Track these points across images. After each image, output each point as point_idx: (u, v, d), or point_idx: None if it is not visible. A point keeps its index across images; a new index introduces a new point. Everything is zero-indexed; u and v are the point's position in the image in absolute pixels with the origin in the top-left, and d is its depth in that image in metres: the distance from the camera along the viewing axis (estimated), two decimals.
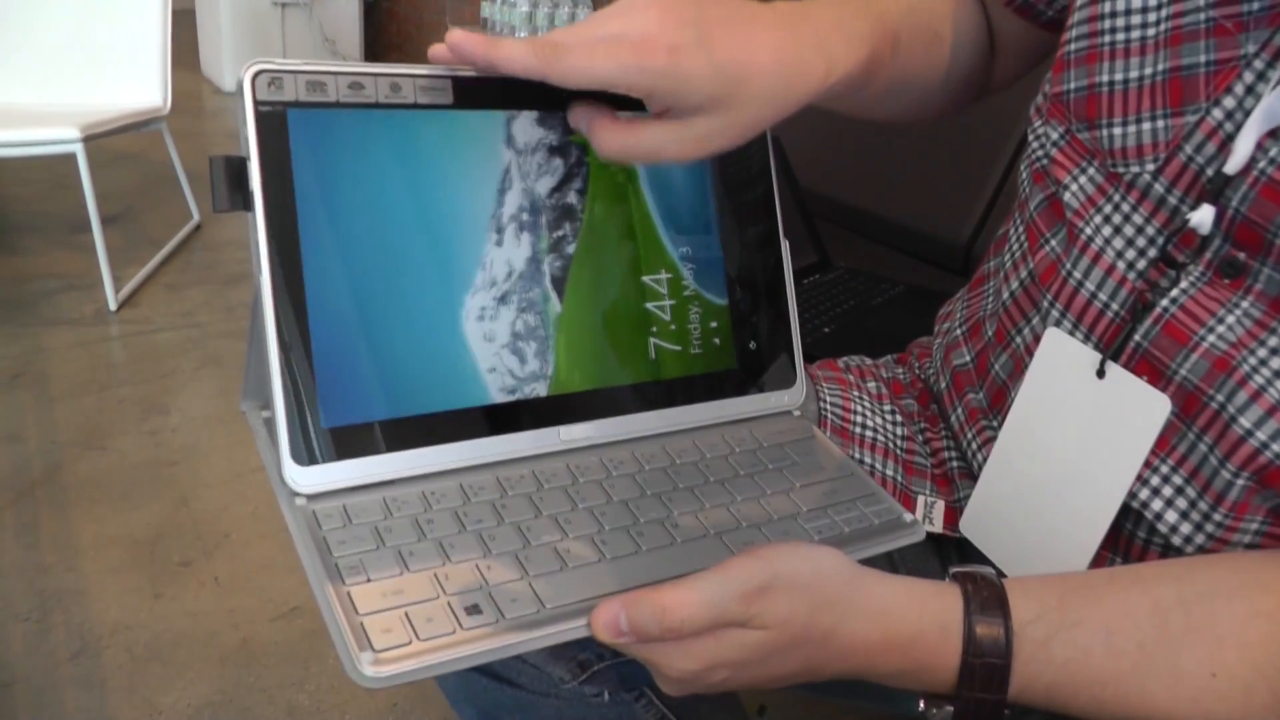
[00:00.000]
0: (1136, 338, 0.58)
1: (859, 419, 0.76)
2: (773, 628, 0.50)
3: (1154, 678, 0.50)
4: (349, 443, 0.53)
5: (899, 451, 0.76)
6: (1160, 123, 0.57)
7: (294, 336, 0.52)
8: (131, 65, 2.79)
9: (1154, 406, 0.57)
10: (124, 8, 2.82)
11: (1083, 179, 0.62)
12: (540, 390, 0.59)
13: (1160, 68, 0.57)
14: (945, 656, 0.52)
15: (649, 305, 0.63)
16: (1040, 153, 0.67)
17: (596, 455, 0.61)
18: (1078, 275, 0.62)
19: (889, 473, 0.74)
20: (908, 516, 0.63)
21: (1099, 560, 0.61)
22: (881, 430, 0.76)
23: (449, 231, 0.56)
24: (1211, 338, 0.55)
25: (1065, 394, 0.62)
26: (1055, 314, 0.63)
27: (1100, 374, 0.60)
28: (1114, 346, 0.59)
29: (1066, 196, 0.63)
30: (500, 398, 0.58)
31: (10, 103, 2.71)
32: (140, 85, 2.76)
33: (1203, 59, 0.55)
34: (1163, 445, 0.57)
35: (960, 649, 0.51)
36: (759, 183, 0.68)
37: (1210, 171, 0.55)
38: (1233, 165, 0.53)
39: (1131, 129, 0.58)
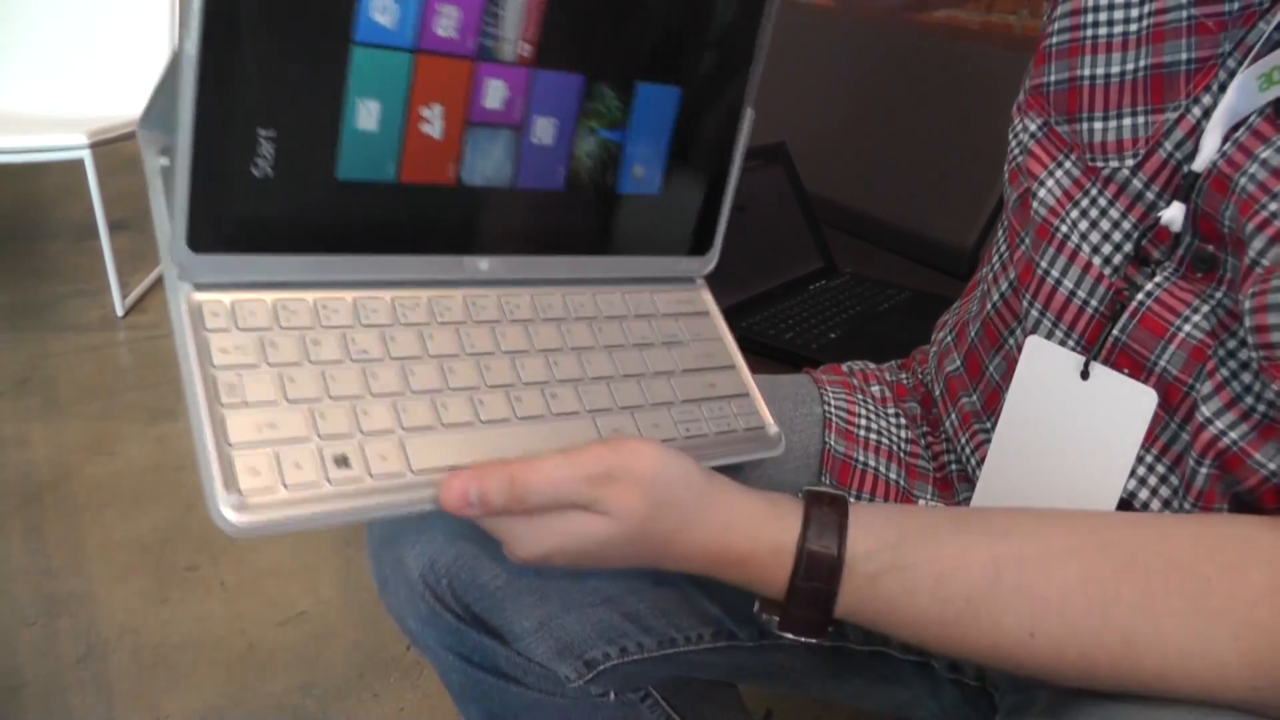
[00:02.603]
0: (1115, 332, 0.59)
1: (863, 422, 0.77)
2: (614, 517, 0.52)
3: (975, 629, 0.52)
4: (250, 235, 0.51)
5: (902, 455, 0.76)
6: (1141, 118, 0.58)
7: (226, 90, 0.48)
8: (140, 71, 2.80)
9: (1140, 401, 0.58)
10: (132, 14, 2.84)
11: (1059, 173, 0.63)
12: (462, 202, 0.57)
13: (1142, 64, 0.58)
14: (777, 575, 0.54)
15: (595, 127, 0.60)
16: (1017, 150, 0.67)
17: (495, 294, 0.60)
18: (1055, 274, 0.63)
19: (892, 476, 0.75)
20: (772, 430, 0.63)
21: None
22: (885, 433, 0.77)
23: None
24: (1187, 327, 0.56)
25: (1052, 399, 0.63)
26: (1035, 314, 0.64)
27: (1085, 375, 0.60)
28: (1095, 345, 0.60)
29: (1042, 193, 0.64)
30: (411, 213, 0.56)
31: (19, 109, 2.72)
32: (147, 92, 2.76)
33: (1184, 56, 0.56)
34: (1148, 437, 0.58)
35: (790, 571, 0.53)
36: (741, 38, 0.63)
37: (1187, 168, 0.56)
38: (1199, 163, 0.54)
39: (1112, 124, 0.59)
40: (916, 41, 1.77)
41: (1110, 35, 0.60)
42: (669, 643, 0.68)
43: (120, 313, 2.52)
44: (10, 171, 3.41)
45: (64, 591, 1.55)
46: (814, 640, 0.56)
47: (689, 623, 0.69)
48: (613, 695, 0.70)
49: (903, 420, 0.78)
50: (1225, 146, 0.53)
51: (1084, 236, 0.61)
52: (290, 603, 1.55)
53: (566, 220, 0.62)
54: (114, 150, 2.45)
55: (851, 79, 1.84)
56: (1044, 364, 0.63)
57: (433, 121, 0.55)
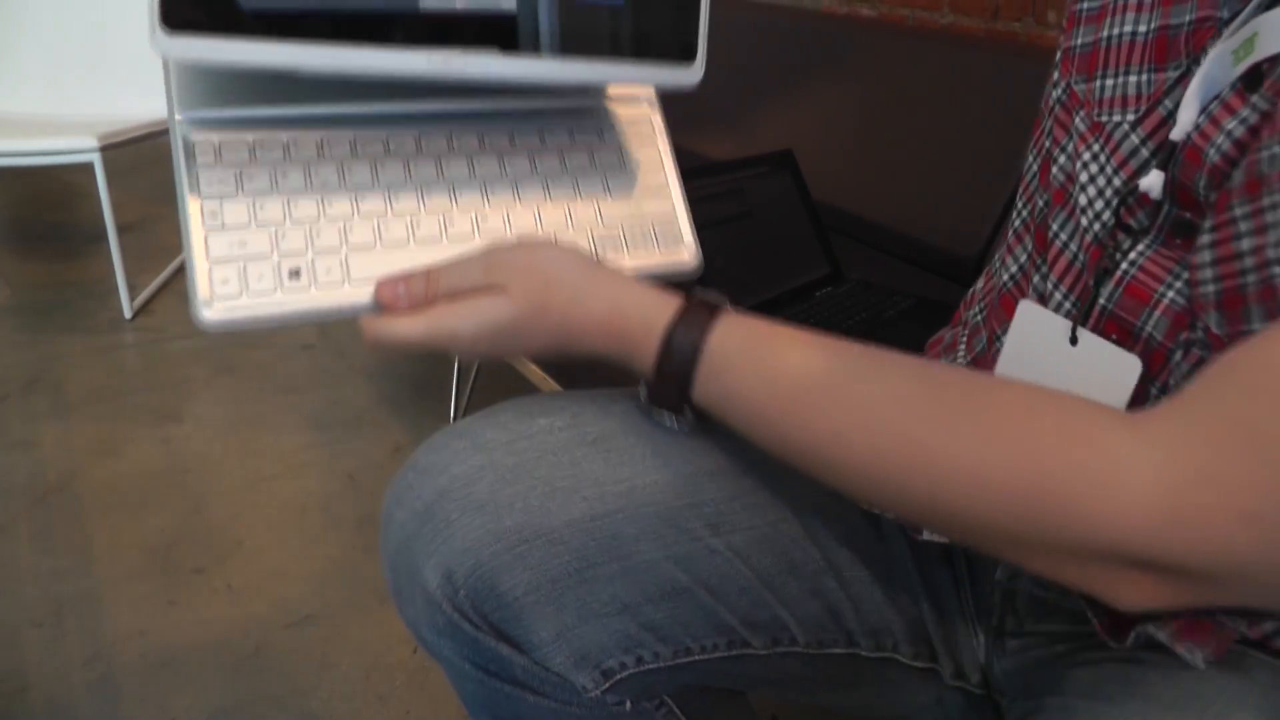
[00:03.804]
0: (1102, 301, 0.61)
1: None
2: (514, 293, 0.63)
3: (794, 425, 0.58)
4: (213, 18, 0.58)
5: None
6: (1145, 76, 0.60)
7: None
8: (149, 76, 2.81)
9: (1125, 368, 0.59)
10: (142, 18, 2.84)
11: (1075, 136, 0.65)
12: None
13: (1153, 25, 0.60)
14: (647, 352, 0.62)
15: None
16: (1047, 116, 0.69)
17: (446, 131, 0.69)
18: (1064, 237, 0.65)
19: None
20: (688, 257, 0.73)
21: None
22: None
23: None
24: (1171, 294, 0.57)
25: (1043, 363, 0.64)
26: (1038, 279, 0.66)
27: (1074, 341, 0.62)
28: (1083, 311, 0.62)
29: (1062, 159, 0.66)
30: (383, 3, 0.60)
31: (29, 112, 2.73)
32: (157, 96, 2.78)
33: (1187, 18, 0.58)
34: (1133, 403, 0.59)
35: (657, 352, 0.62)
36: None
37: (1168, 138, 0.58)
38: (1177, 133, 0.56)
39: (1120, 80, 0.61)
40: (923, 48, 1.77)
41: (1129, 1, 0.62)
42: (684, 651, 0.69)
43: (128, 315, 2.53)
44: (19, 173, 3.43)
45: (71, 593, 1.56)
46: (676, 421, 0.66)
47: (704, 631, 0.69)
48: (629, 704, 0.70)
49: None
50: (1200, 118, 0.55)
51: (1083, 189, 0.63)
52: (297, 606, 1.56)
53: (530, 20, 0.64)
54: (122, 153, 2.46)
55: (858, 86, 1.85)
56: (1035, 328, 0.65)
57: None
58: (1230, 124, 0.52)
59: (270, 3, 0.58)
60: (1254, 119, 0.51)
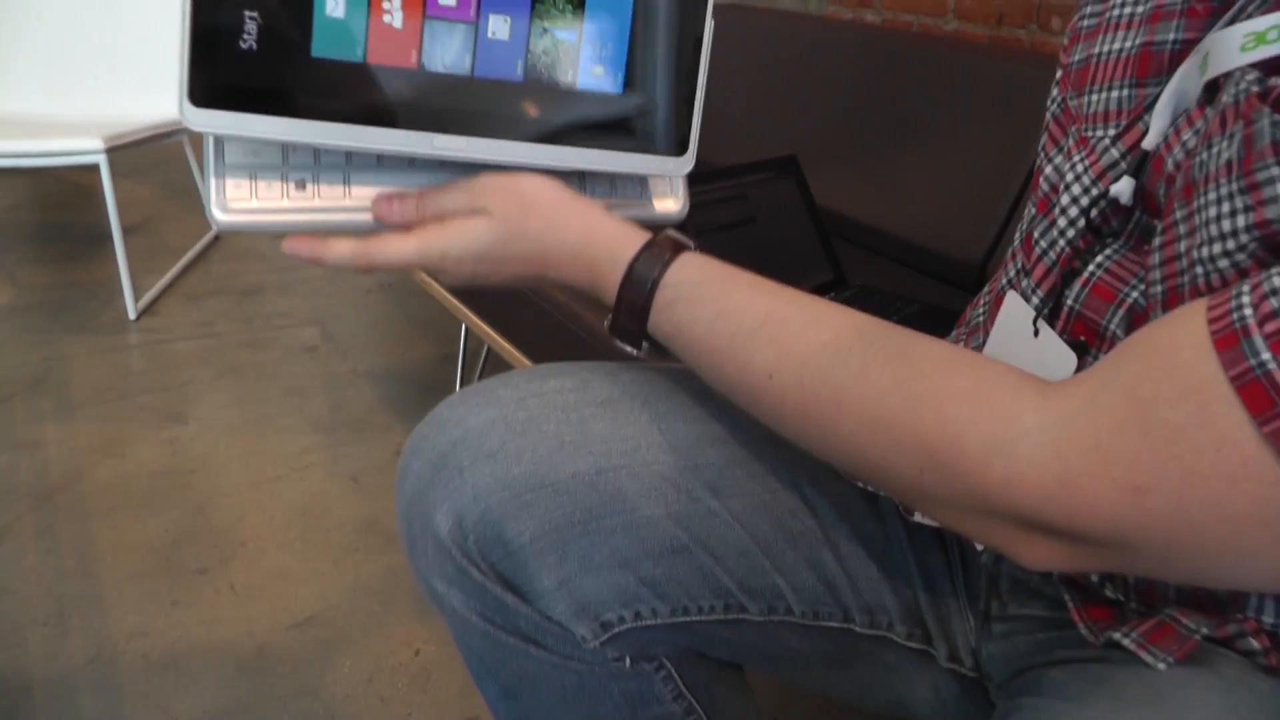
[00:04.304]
0: (1069, 301, 0.63)
1: None
2: (494, 216, 0.67)
3: (731, 361, 0.62)
4: (238, 96, 0.62)
5: None
6: (1126, 91, 0.62)
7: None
8: (154, 77, 2.82)
9: (1066, 363, 0.61)
10: (148, 20, 2.86)
11: (1063, 146, 0.67)
12: (425, 85, 0.66)
13: (1137, 41, 0.62)
14: (611, 282, 0.66)
15: (547, 27, 0.68)
16: (1043, 134, 0.71)
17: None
18: (1036, 235, 0.67)
19: None
20: (675, 207, 0.78)
21: None
22: None
23: None
24: (1134, 295, 0.59)
25: (1016, 353, 0.66)
26: (1025, 280, 0.68)
27: (1035, 333, 0.64)
28: (1047, 308, 0.64)
29: (1048, 169, 0.67)
30: (379, 89, 0.65)
31: (35, 113, 2.74)
32: (163, 97, 2.79)
33: (1171, 37, 0.60)
34: None
35: (620, 281, 0.65)
36: None
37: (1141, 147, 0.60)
38: (1148, 142, 0.58)
39: (1103, 95, 0.63)
40: (928, 55, 1.78)
41: (1121, 16, 0.64)
42: (681, 611, 0.70)
43: (133, 316, 2.53)
44: (26, 173, 3.44)
45: (74, 593, 1.56)
46: (633, 351, 0.68)
47: (701, 593, 0.70)
48: (628, 661, 0.72)
49: None
50: (1169, 129, 0.57)
51: (1061, 200, 0.65)
52: (299, 607, 1.56)
53: (528, 110, 0.69)
54: (128, 154, 2.47)
55: (863, 92, 1.85)
56: (1014, 318, 0.67)
57: (393, 13, 0.64)
58: (1186, 135, 0.54)
59: (286, 85, 0.63)
60: (1204, 131, 0.53)
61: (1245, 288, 0.45)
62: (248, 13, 0.61)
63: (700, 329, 0.63)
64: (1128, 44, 0.62)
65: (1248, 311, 0.44)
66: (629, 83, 0.70)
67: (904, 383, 0.54)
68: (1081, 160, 0.64)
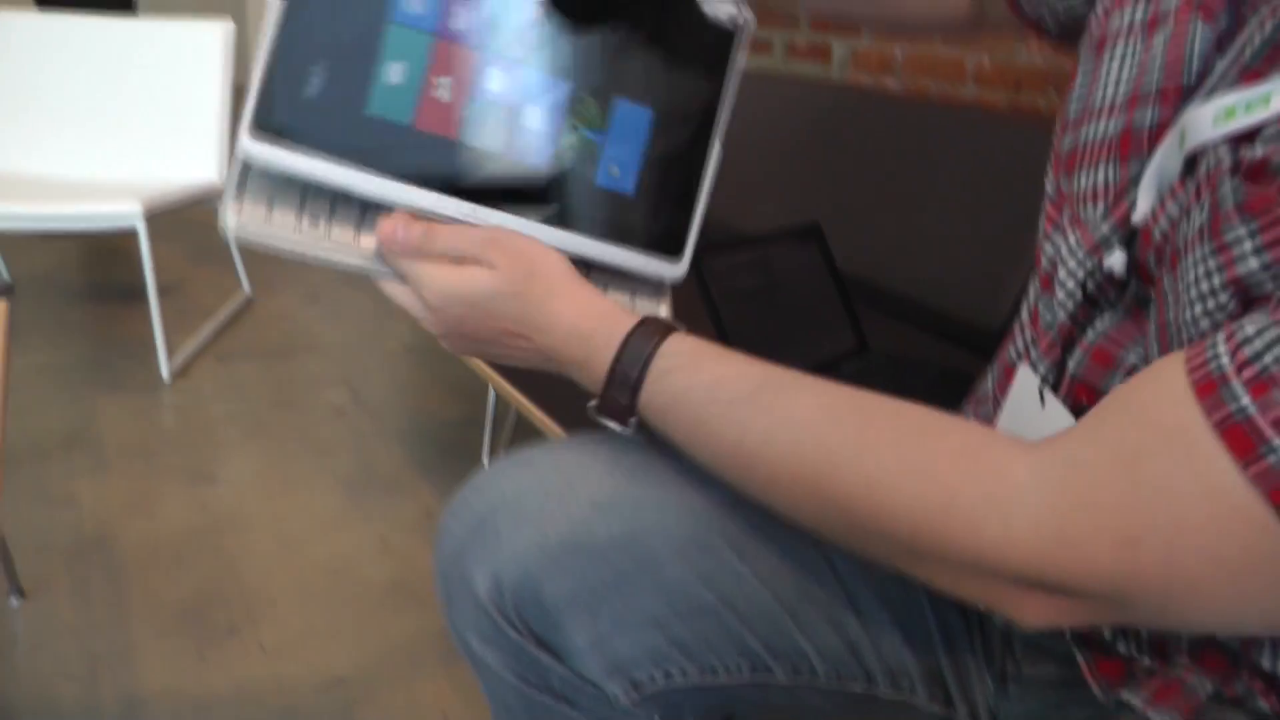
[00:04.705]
0: (1070, 368, 0.65)
1: None
2: (499, 271, 0.69)
3: (727, 428, 0.63)
4: (296, 135, 0.68)
5: None
6: (1111, 170, 0.64)
7: (294, 33, 0.68)
8: (192, 142, 2.89)
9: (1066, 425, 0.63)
10: (187, 86, 2.93)
11: (1058, 226, 0.69)
12: (461, 156, 0.72)
13: (1118, 125, 0.65)
14: (604, 357, 0.67)
15: (577, 126, 0.74)
16: (1042, 215, 0.73)
17: None
18: (1041, 308, 0.69)
19: None
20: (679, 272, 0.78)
21: None
22: None
23: None
24: (1132, 358, 0.61)
25: (1028, 424, 0.68)
26: (1032, 349, 0.70)
27: (1042, 403, 0.66)
28: (1053, 376, 0.66)
29: (1048, 247, 0.70)
30: (420, 151, 0.71)
31: (76, 177, 2.81)
32: (200, 161, 2.86)
33: (1148, 119, 0.62)
34: None
35: (614, 355, 0.67)
36: (708, 83, 0.77)
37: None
38: (1137, 216, 0.60)
39: (1091, 175, 0.66)
40: (947, 121, 1.81)
41: (1103, 105, 0.67)
42: (710, 671, 0.72)
43: (166, 376, 2.58)
44: (65, 235, 3.51)
45: (106, 649, 1.58)
46: (621, 427, 0.69)
47: (729, 654, 0.72)
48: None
49: None
50: (1154, 203, 0.59)
51: (1059, 274, 0.67)
52: (328, 666, 1.58)
53: (548, 194, 0.73)
54: (162, 216, 2.52)
55: (884, 158, 1.88)
56: (1025, 390, 0.69)
57: (443, 89, 0.70)
58: (1170, 207, 0.57)
59: (339, 134, 0.69)
60: (1185, 203, 0.55)
61: (1220, 337, 0.47)
62: (316, 64, 0.68)
63: (695, 395, 0.65)
64: (1109, 128, 0.65)
65: (1225, 360, 0.46)
66: (640, 187, 0.75)
67: (895, 446, 0.56)
68: (1076, 237, 0.66)
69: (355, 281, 3.39)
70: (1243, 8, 0.59)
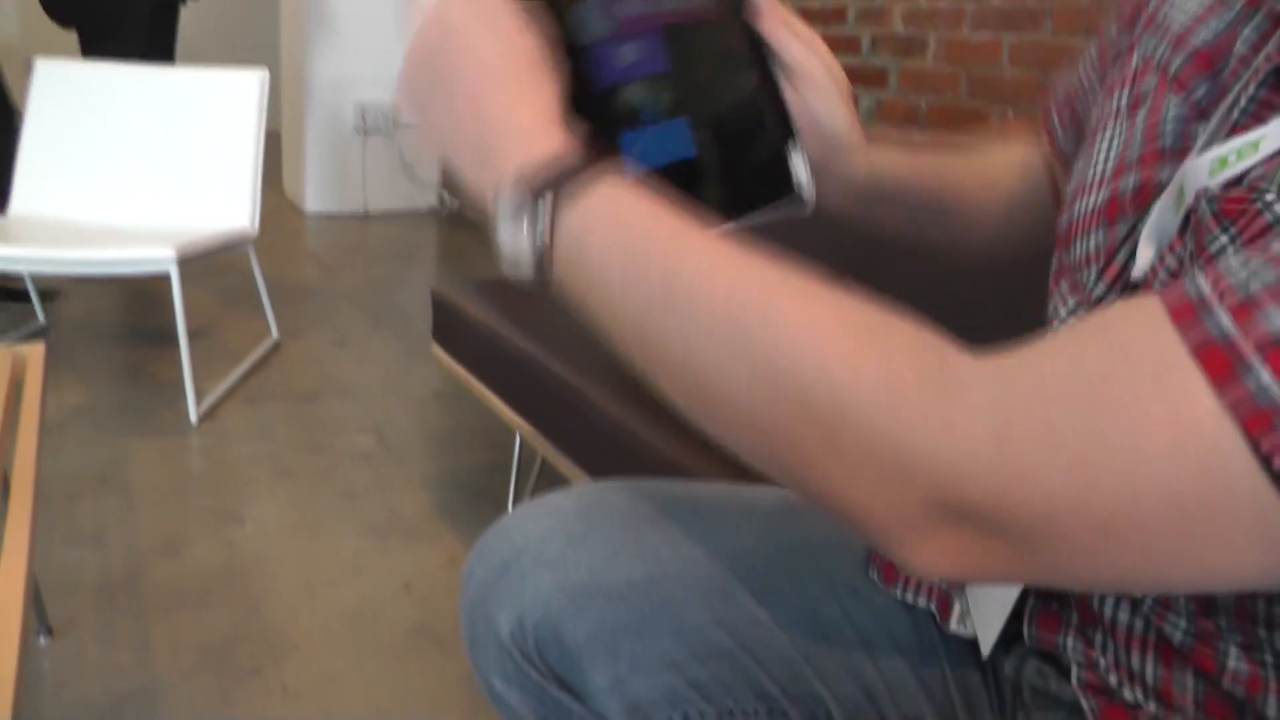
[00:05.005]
0: None
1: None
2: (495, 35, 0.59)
3: (634, 298, 0.53)
4: None
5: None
6: (1100, 234, 0.66)
7: None
8: (225, 189, 2.95)
9: None
10: (222, 134, 3.00)
11: (1058, 294, 0.71)
12: None
13: (1105, 195, 0.67)
14: (519, 162, 0.56)
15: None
16: (1050, 295, 0.75)
17: None
18: None
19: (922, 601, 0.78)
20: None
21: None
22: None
23: None
24: None
25: None
26: None
27: None
28: None
29: (1050, 314, 0.72)
30: None
31: (112, 222, 2.87)
32: (231, 209, 2.91)
33: (1131, 184, 0.65)
34: None
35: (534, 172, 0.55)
36: (750, 196, 0.70)
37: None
38: (1138, 271, 0.61)
39: (1084, 243, 0.68)
40: None
41: (1092, 180, 0.70)
42: (727, 714, 0.73)
43: (194, 419, 2.61)
44: (96, 279, 3.57)
45: (131, 688, 1.60)
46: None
47: (746, 697, 0.73)
48: None
49: None
50: (1154, 258, 0.60)
51: None
52: (351, 710, 1.59)
53: (585, 108, 0.65)
54: (194, 261, 2.57)
55: (890, 248, 1.90)
56: None
57: None
58: (1169, 260, 0.58)
59: None
60: (1183, 256, 0.57)
61: (1197, 272, 0.44)
62: None
63: (609, 270, 0.54)
64: (1099, 199, 0.68)
65: (1205, 287, 0.43)
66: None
67: (844, 323, 0.49)
68: (1074, 301, 0.68)
69: (381, 326, 3.43)
70: (1223, 76, 0.62)
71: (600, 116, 0.67)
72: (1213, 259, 0.50)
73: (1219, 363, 0.41)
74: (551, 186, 0.54)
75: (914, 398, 0.46)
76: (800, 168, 0.71)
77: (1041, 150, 0.87)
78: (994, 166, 0.87)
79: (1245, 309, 0.41)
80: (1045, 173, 0.86)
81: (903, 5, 2.53)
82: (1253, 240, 0.48)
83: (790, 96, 0.73)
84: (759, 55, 0.73)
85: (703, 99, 0.70)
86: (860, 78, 2.54)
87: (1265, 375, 0.40)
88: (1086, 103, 0.81)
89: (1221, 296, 0.42)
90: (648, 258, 0.53)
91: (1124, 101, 0.70)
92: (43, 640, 1.70)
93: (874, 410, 0.46)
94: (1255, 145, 0.53)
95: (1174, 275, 0.57)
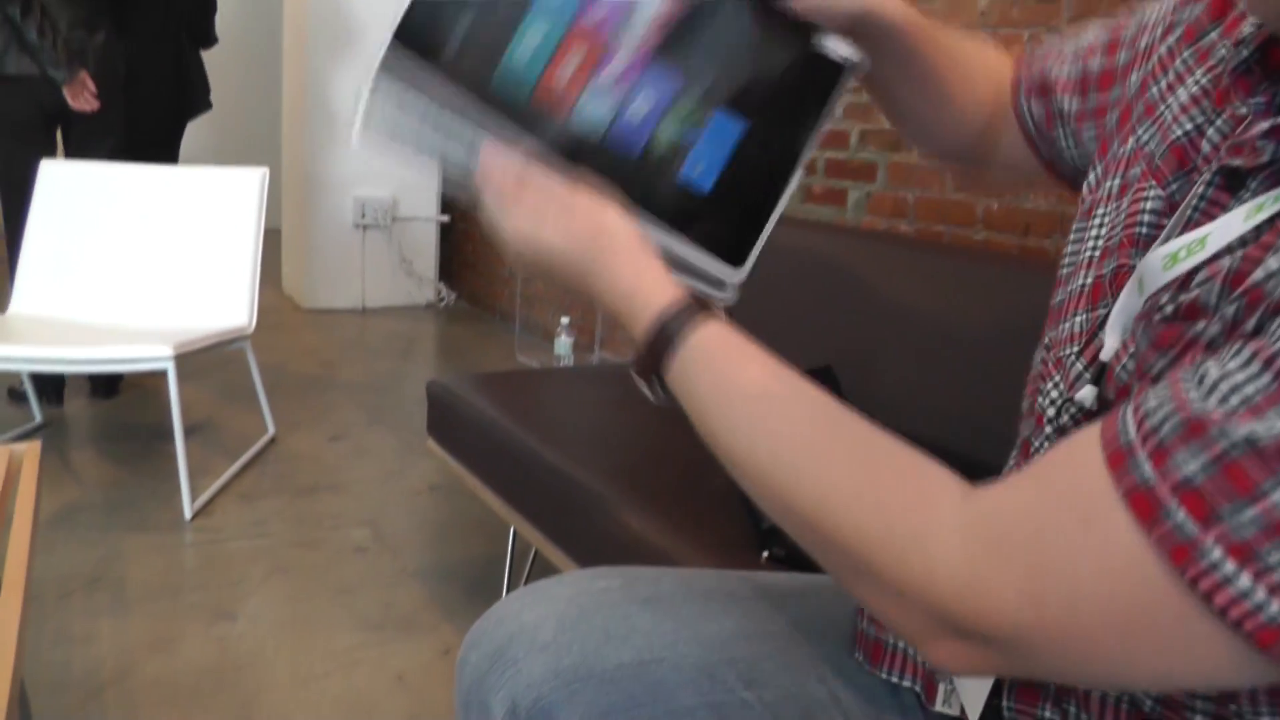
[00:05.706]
0: None
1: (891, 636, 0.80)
2: (573, 219, 0.70)
3: (723, 428, 0.65)
4: (429, 59, 0.74)
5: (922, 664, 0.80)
6: (1083, 316, 0.70)
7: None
8: (223, 286, 2.98)
9: None
10: (221, 232, 3.03)
11: (1046, 368, 0.73)
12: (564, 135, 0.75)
13: (1091, 278, 0.70)
14: (643, 321, 0.68)
15: (664, 122, 0.76)
16: (1036, 360, 0.77)
17: None
18: (1035, 445, 0.73)
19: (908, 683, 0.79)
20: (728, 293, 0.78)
21: None
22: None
23: None
24: None
25: None
26: None
27: None
28: None
29: (1040, 388, 0.74)
30: (535, 131, 0.74)
31: (110, 322, 2.89)
32: (229, 307, 2.94)
33: (1110, 268, 0.68)
34: None
35: (649, 324, 0.68)
36: (807, 112, 0.78)
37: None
38: (1105, 353, 0.65)
39: (1069, 323, 0.71)
40: (959, 266, 1.85)
41: (1082, 260, 0.73)
42: None
43: (189, 515, 2.60)
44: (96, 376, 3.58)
45: None
46: (649, 392, 0.70)
47: None
48: None
49: None
50: (1118, 343, 0.64)
51: (1048, 414, 0.71)
52: None
53: (632, 174, 0.75)
54: (190, 357, 2.59)
55: (897, 301, 1.93)
56: None
57: (565, 70, 0.74)
58: (1132, 346, 0.61)
59: (466, 69, 0.74)
60: (1145, 344, 0.60)
61: (1129, 409, 0.51)
62: (458, 27, 0.74)
63: (704, 388, 0.67)
64: (1087, 281, 0.71)
65: (1132, 432, 0.50)
66: (717, 188, 0.76)
67: (850, 468, 0.60)
68: (1058, 376, 0.70)
69: (378, 421, 3.44)
70: (1192, 175, 0.66)
71: (654, 175, 0.75)
72: (1152, 382, 0.56)
73: (1145, 507, 0.48)
74: (672, 332, 0.67)
75: (906, 545, 0.56)
76: (837, 48, 0.78)
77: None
78: (990, 81, 0.91)
79: (1161, 455, 0.48)
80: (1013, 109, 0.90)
81: None
82: (1178, 360, 0.55)
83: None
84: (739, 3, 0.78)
85: (718, 82, 0.76)
86: (848, 172, 2.59)
87: (1180, 514, 0.47)
88: (1064, 101, 0.85)
89: (1144, 440, 0.49)
90: (731, 387, 0.66)
91: (1115, 185, 0.73)
92: None
93: (885, 555, 0.57)
94: (1202, 242, 0.59)
95: (1138, 365, 0.60)
